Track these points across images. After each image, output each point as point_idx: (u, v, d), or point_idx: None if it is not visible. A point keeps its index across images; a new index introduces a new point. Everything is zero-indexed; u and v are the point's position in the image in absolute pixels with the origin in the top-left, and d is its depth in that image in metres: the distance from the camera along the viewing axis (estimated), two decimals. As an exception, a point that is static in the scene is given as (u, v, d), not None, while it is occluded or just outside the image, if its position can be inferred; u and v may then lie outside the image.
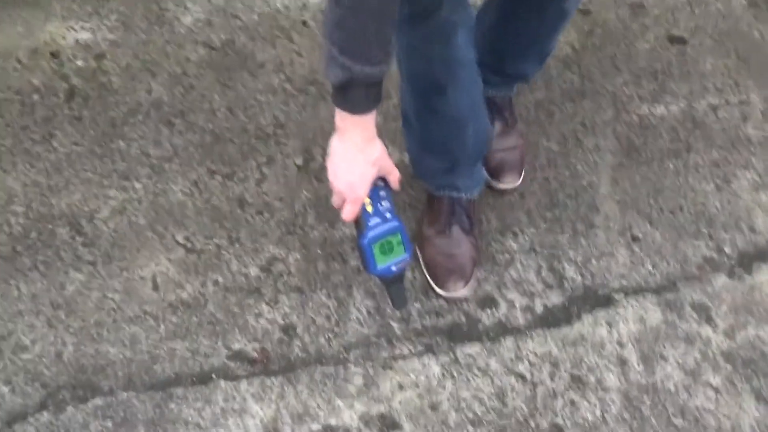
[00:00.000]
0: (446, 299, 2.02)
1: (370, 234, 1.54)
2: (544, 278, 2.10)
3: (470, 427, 1.86)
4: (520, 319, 2.04)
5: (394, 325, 2.01)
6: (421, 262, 2.06)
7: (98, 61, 2.46)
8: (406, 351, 1.97)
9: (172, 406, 1.88)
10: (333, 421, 1.86)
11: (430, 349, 1.99)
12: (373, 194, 1.54)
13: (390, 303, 1.74)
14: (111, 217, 2.18)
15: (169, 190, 2.23)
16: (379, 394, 1.91)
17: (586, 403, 1.92)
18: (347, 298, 2.05)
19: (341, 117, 1.42)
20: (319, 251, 2.12)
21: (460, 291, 2.02)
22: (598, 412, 1.90)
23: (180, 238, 2.14)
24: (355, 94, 1.36)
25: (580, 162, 2.31)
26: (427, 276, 2.04)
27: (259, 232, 2.15)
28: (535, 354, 1.98)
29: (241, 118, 2.35)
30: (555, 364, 1.96)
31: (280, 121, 2.35)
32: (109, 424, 1.85)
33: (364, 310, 2.03)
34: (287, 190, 2.24)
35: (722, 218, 2.17)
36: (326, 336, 1.99)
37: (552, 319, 2.04)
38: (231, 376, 1.93)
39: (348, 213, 1.51)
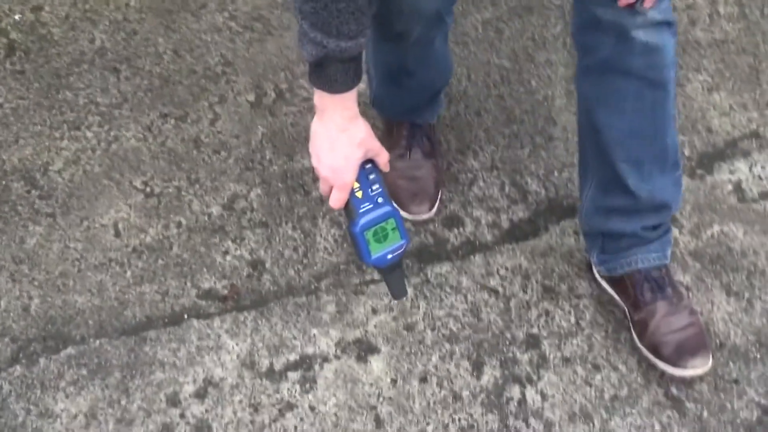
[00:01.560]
0: (412, 222, 1.99)
1: (362, 221, 1.39)
2: (508, 194, 2.10)
3: (447, 345, 1.86)
4: (488, 235, 2.03)
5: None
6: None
7: (36, 13, 2.41)
8: (376, 276, 1.96)
9: (147, 349, 1.86)
10: (310, 350, 1.85)
11: (400, 272, 1.96)
12: (362, 178, 1.39)
13: (389, 293, 1.57)
14: (65, 168, 2.13)
15: (122, 136, 2.19)
16: (354, 320, 1.90)
17: (560, 311, 1.92)
18: (313, 228, 2.03)
19: (320, 96, 1.32)
20: (280, 185, 2.10)
21: (425, 213, 2.01)
22: (572, 319, 1.91)
23: (138, 184, 2.11)
24: (332, 71, 1.27)
25: (533, 77, 2.30)
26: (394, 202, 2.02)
27: (217, 170, 2.13)
28: (506, 268, 1.98)
29: (188, 59, 2.31)
30: (526, 277, 1.97)
31: (228, 60, 2.32)
32: (84, 371, 1.83)
33: (331, 239, 2.02)
34: (242, 127, 2.21)
35: (678, 121, 2.17)
36: (295, 268, 1.98)
37: (519, 233, 2.04)
38: (203, 315, 1.91)
39: (335, 200, 1.38)
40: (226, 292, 1.94)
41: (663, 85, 1.63)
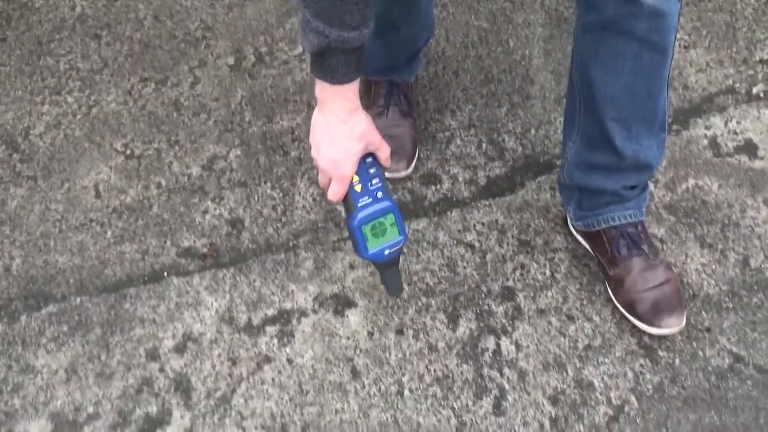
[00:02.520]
0: (390, 180, 2.01)
1: (360, 215, 1.41)
2: (485, 151, 2.12)
3: (424, 298, 1.88)
4: (465, 192, 2.05)
5: (340, 209, 2.02)
6: None
7: (18, -19, 2.41)
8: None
9: (127, 306, 1.88)
10: (288, 305, 1.87)
11: (378, 229, 1.98)
12: (362, 172, 1.40)
13: (385, 289, 1.58)
14: (46, 132, 2.16)
15: (102, 101, 2.21)
16: (331, 275, 1.92)
17: (535, 264, 1.94)
18: (291, 188, 2.05)
19: (321, 87, 1.31)
20: (259, 146, 2.12)
21: (403, 170, 2.03)
22: (547, 272, 1.93)
23: (118, 146, 2.13)
24: (334, 62, 1.25)
25: (511, 38, 2.32)
26: None
27: (197, 132, 2.15)
28: (482, 223, 2.00)
29: (168, 24, 2.33)
30: (502, 231, 1.99)
31: (208, 24, 2.34)
32: (65, 328, 1.85)
33: (309, 198, 2.04)
34: (221, 90, 2.23)
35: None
36: (274, 226, 2.00)
37: (496, 189, 2.06)
38: (182, 272, 1.93)
39: (334, 193, 1.38)
40: (205, 250, 1.96)
41: (663, 50, 1.64)
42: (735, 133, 2.15)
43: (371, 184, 1.41)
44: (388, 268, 1.49)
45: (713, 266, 1.93)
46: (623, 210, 1.82)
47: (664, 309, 1.83)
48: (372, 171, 1.41)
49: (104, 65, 2.26)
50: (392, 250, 1.45)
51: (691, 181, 2.06)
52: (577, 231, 1.92)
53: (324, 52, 1.23)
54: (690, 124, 2.17)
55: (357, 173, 1.38)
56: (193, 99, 2.20)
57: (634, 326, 1.85)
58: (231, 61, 2.27)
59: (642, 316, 1.82)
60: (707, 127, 2.17)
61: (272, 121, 2.15)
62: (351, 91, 1.31)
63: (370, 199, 1.40)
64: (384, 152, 1.41)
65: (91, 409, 1.75)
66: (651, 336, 1.82)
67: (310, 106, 2.19)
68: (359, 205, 1.40)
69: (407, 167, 2.03)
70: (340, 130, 1.33)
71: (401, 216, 1.44)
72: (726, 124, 2.17)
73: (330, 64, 1.25)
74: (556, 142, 2.12)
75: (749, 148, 2.12)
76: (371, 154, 1.40)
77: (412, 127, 2.06)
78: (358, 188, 1.40)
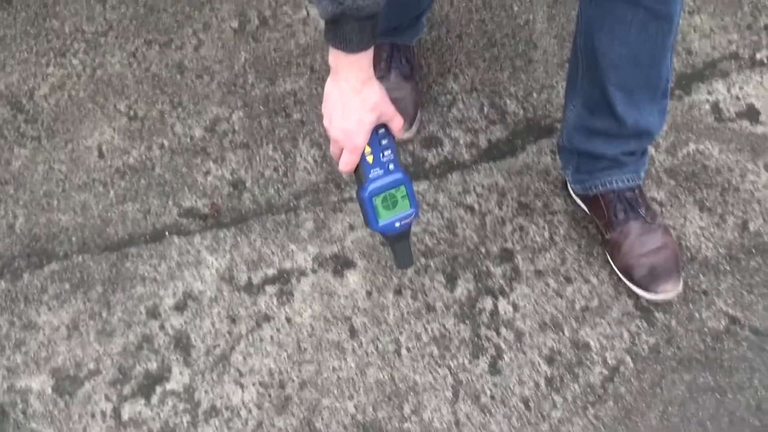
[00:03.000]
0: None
1: (371, 186, 1.37)
2: (486, 115, 2.13)
3: (423, 259, 1.89)
4: (465, 155, 2.06)
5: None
6: None
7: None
8: (354, 194, 1.98)
9: (128, 264, 1.90)
10: (288, 265, 1.89)
11: (378, 191, 1.99)
12: (374, 143, 1.36)
13: (394, 262, 1.52)
14: (51, 93, 2.17)
15: (107, 62, 2.22)
16: (331, 236, 1.93)
17: (534, 227, 1.95)
18: (293, 149, 2.06)
19: (334, 56, 1.26)
20: (261, 108, 2.13)
21: (405, 132, 2.03)
22: (546, 234, 1.94)
23: (122, 107, 2.14)
24: (348, 30, 1.21)
25: (515, 2, 2.33)
26: None
27: (200, 94, 2.16)
28: (482, 186, 2.01)
29: (173, -13, 2.33)
30: (502, 194, 2.00)
31: (213, -13, 2.33)
32: (67, 286, 1.87)
33: (311, 160, 2.05)
34: (225, 52, 2.24)
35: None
36: (275, 187, 2.01)
37: (497, 152, 2.07)
38: (184, 232, 1.94)
39: (345, 163, 1.35)
40: (206, 210, 1.98)
41: (669, 19, 1.62)
42: (737, 98, 2.16)
43: (383, 156, 1.38)
44: (398, 240, 1.46)
45: (712, 229, 1.94)
46: (621, 174, 1.82)
47: (661, 275, 1.84)
48: (384, 142, 1.38)
49: (109, 28, 2.28)
50: (403, 222, 1.41)
51: (692, 146, 2.06)
52: (576, 194, 1.93)
53: (338, 20, 1.19)
54: (692, 89, 2.17)
55: (369, 144, 1.34)
56: (197, 61, 2.21)
57: (632, 289, 1.81)
58: (235, 24, 2.28)
59: (638, 281, 1.83)
60: (709, 93, 2.17)
61: (275, 84, 2.16)
62: (365, 60, 1.27)
63: (382, 171, 1.37)
64: (397, 123, 1.37)
65: (91, 365, 1.77)
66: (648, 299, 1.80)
67: (313, 69, 2.21)
68: (370, 176, 1.37)
69: (408, 129, 2.02)
70: (353, 99, 1.30)
71: (413, 188, 1.40)
72: (728, 89, 2.17)
73: (344, 31, 1.21)
74: (557, 106, 2.12)
75: (751, 114, 2.13)
76: (384, 125, 1.37)
77: (413, 90, 2.06)
78: (369, 159, 1.36)
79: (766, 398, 1.72)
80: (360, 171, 1.37)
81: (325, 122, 1.34)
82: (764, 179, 2.01)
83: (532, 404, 1.71)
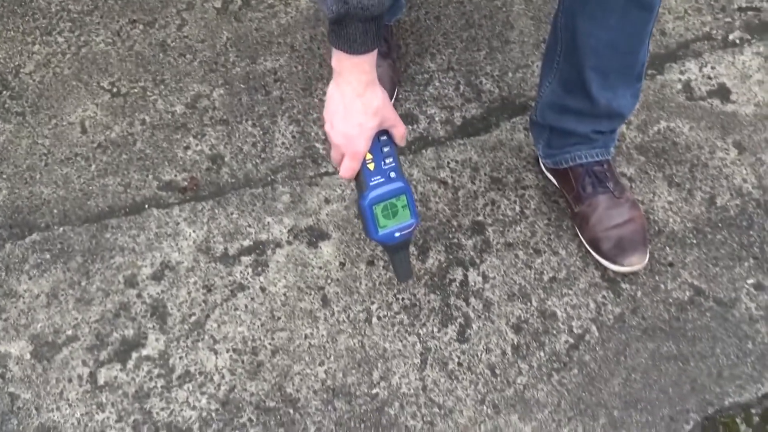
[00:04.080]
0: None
1: (371, 194, 1.34)
2: (462, 93, 2.17)
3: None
4: (440, 131, 2.10)
5: (319, 146, 2.07)
6: None
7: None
8: (331, 168, 2.04)
9: (108, 235, 1.94)
10: (263, 236, 1.93)
11: (354, 165, 2.04)
12: (376, 150, 1.34)
13: (394, 273, 1.47)
14: (36, 70, 2.22)
15: (91, 41, 2.27)
16: (307, 209, 1.98)
17: (506, 201, 1.99)
18: (272, 126, 2.11)
19: (338, 58, 1.26)
20: (242, 85, 2.18)
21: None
22: (517, 208, 1.98)
23: (105, 84, 2.19)
24: (352, 31, 1.20)
25: (493, -16, 2.35)
26: None
27: (182, 72, 2.20)
28: (456, 161, 2.05)
29: (158, -32, 2.38)
30: (475, 169, 2.04)
31: (197, -32, 2.38)
32: (48, 256, 1.91)
33: (289, 135, 2.09)
34: (208, 32, 2.28)
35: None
36: (253, 162, 2.06)
37: (471, 129, 2.11)
38: (163, 205, 1.99)
39: (346, 169, 1.32)
40: (185, 183, 2.02)
41: (650, 7, 1.64)
42: (709, 78, 2.20)
43: (385, 163, 1.35)
44: (397, 251, 1.43)
45: (680, 204, 1.98)
46: (590, 149, 1.86)
47: (627, 248, 1.88)
48: (386, 149, 1.35)
49: (95, 7, 2.32)
50: (403, 233, 1.38)
51: (663, 124, 2.10)
52: (547, 169, 1.97)
53: (343, 20, 1.19)
54: (665, 69, 2.21)
55: (371, 151, 1.32)
56: (180, 40, 2.26)
57: (599, 261, 1.86)
58: (218, 4, 2.33)
59: (606, 253, 1.86)
60: (682, 72, 2.21)
61: (255, 62, 2.21)
62: (368, 63, 1.26)
63: (383, 179, 1.34)
64: (399, 130, 1.36)
65: (69, 332, 1.81)
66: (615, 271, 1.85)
67: (293, 48, 2.26)
68: (371, 183, 1.34)
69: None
70: (355, 103, 1.29)
71: (414, 198, 1.37)
72: (701, 69, 2.21)
73: (348, 32, 1.21)
74: (532, 85, 2.17)
75: (722, 93, 2.17)
76: (386, 132, 1.35)
77: (390, 68, 2.11)
78: (371, 166, 1.34)
79: (728, 366, 1.75)
80: (361, 178, 1.34)
81: (327, 127, 1.33)
82: (733, 156, 2.04)
83: (498, 371, 1.75)
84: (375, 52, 1.24)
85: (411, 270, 1.46)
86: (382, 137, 1.35)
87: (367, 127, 1.30)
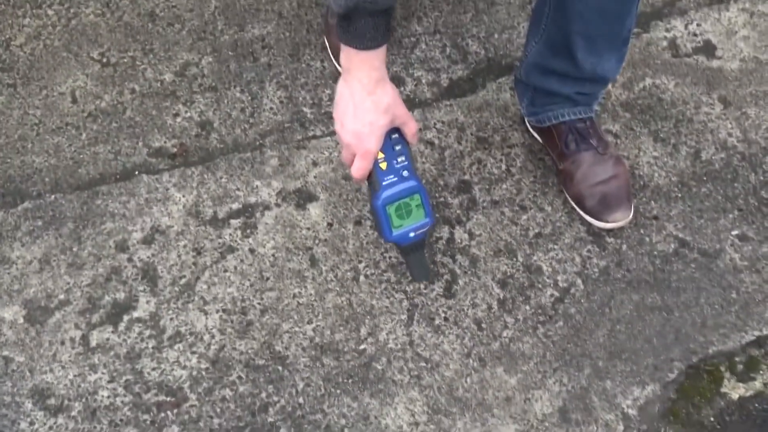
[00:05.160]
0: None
1: (384, 194, 1.33)
2: (448, 55, 2.18)
3: (383, 192, 1.94)
4: (427, 93, 2.12)
5: (306, 110, 2.09)
6: (328, 49, 2.19)
7: None
8: (318, 132, 2.05)
9: (98, 202, 1.97)
10: (252, 199, 1.96)
11: (341, 128, 2.06)
12: (387, 148, 1.32)
13: (409, 274, 1.43)
14: (27, 43, 2.24)
15: (81, 13, 2.29)
16: (295, 172, 2.00)
17: (492, 159, 2.01)
18: (260, 91, 2.13)
19: (347, 55, 1.24)
20: (230, 53, 2.20)
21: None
22: (503, 167, 2.00)
23: (95, 55, 2.21)
24: (361, 25, 1.18)
25: (480, -53, 2.35)
26: (334, 61, 2.12)
27: (171, 41, 2.22)
28: (442, 122, 2.07)
29: (146, -60, 2.39)
30: (462, 129, 2.06)
31: (185, -61, 2.39)
32: (39, 223, 1.94)
33: (277, 101, 2.11)
34: (196, 1, 2.32)
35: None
36: (242, 127, 2.08)
37: (458, 90, 2.12)
38: (153, 171, 2.01)
39: (358, 169, 1.30)
40: (175, 150, 2.05)
41: None
42: (694, 34, 2.21)
43: (397, 162, 1.33)
44: (412, 252, 1.41)
45: (665, 159, 1.99)
46: (573, 108, 1.87)
47: (612, 204, 1.90)
48: (398, 148, 1.33)
49: (84, -20, 2.33)
50: (417, 233, 1.37)
51: (648, 81, 2.12)
52: (531, 126, 1.99)
53: (352, 14, 1.17)
54: (651, 27, 2.22)
55: (382, 149, 1.30)
56: (168, 10, 2.27)
57: (584, 217, 1.89)
58: (206, -27, 2.33)
59: (590, 210, 1.88)
60: (667, 30, 2.22)
61: (244, 30, 2.23)
62: (378, 59, 1.24)
63: (396, 178, 1.32)
64: (411, 127, 1.33)
65: (62, 296, 1.84)
66: (600, 224, 1.87)
67: (281, 15, 2.28)
68: (384, 183, 1.32)
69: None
70: (365, 101, 1.26)
71: (428, 197, 1.34)
72: (686, 26, 2.23)
73: (357, 27, 1.19)
74: (518, 46, 2.18)
75: (708, 49, 2.18)
76: (397, 130, 1.33)
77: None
78: (383, 166, 1.32)
79: (712, 315, 1.77)
80: (373, 178, 1.32)
81: (337, 126, 1.30)
82: (718, 110, 2.06)
83: (484, 325, 1.77)
84: (384, 48, 1.22)
85: (428, 270, 1.40)
86: (393, 135, 1.33)
87: (379, 125, 1.28)
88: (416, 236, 1.37)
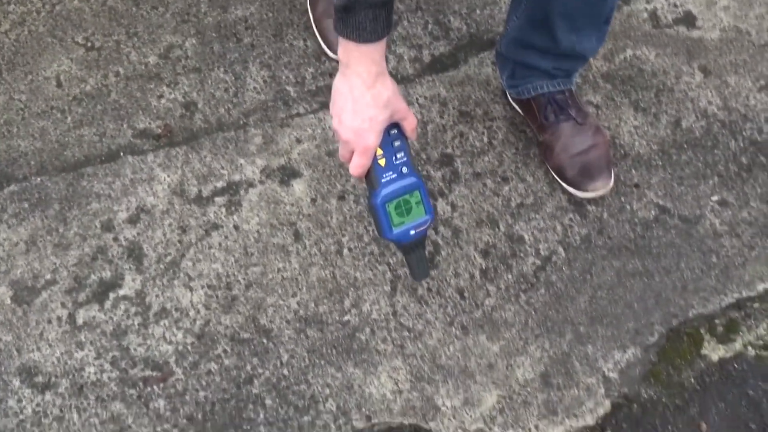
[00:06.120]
0: (336, 60, 2.09)
1: (384, 192, 1.28)
2: (430, 31, 2.20)
3: (366, 166, 1.96)
4: (409, 69, 2.14)
5: (290, 89, 2.11)
6: (315, 28, 2.24)
7: None
8: (302, 110, 2.07)
9: (84, 183, 1.99)
10: (236, 177, 1.97)
11: (324, 106, 2.09)
12: (386, 144, 1.27)
13: (409, 273, 1.43)
14: (11, 29, 2.25)
15: (65, -1, 2.29)
16: (279, 149, 2.01)
17: (474, 132, 2.02)
18: (243, 71, 2.14)
19: (345, 49, 1.19)
20: (214, 34, 2.21)
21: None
22: (485, 139, 2.01)
23: (80, 39, 2.22)
24: (362, 18, 1.14)
25: (460, -76, 2.37)
26: (319, 38, 2.20)
27: (155, 24, 2.24)
28: (425, 97, 2.08)
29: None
30: (443, 104, 2.07)
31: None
32: (25, 205, 1.96)
33: (260, 80, 2.13)
34: (179, -16, 2.31)
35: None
36: (226, 107, 2.09)
37: (440, 65, 2.14)
38: (138, 152, 2.03)
39: (356, 166, 1.25)
40: (159, 130, 2.06)
41: None
42: (675, 5, 2.22)
43: (396, 158, 1.29)
44: (413, 250, 1.37)
45: (645, 128, 2.01)
46: (552, 80, 1.88)
47: (592, 173, 1.91)
48: (397, 144, 1.29)
49: (68, -34, 2.35)
50: (418, 230, 1.33)
51: (629, 52, 2.13)
52: (512, 99, 2.00)
53: (352, 7, 1.13)
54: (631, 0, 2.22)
55: (381, 146, 1.26)
56: (152, -6, 2.28)
57: (565, 188, 1.90)
58: (188, -43, 2.35)
59: (571, 180, 1.89)
60: (648, 2, 2.24)
61: (227, 11, 2.24)
62: (378, 52, 1.20)
63: (395, 175, 1.28)
64: (411, 122, 1.29)
65: (48, 276, 1.86)
66: (581, 193, 1.88)
67: (263, -4, 2.27)
68: (383, 180, 1.28)
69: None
70: (364, 95, 1.22)
71: (428, 193, 1.30)
72: (667, -3, 2.22)
73: (357, 19, 1.14)
74: (500, 21, 2.20)
75: (688, 19, 2.19)
76: (396, 125, 1.29)
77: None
78: (382, 162, 1.28)
79: (692, 280, 1.78)
80: (372, 175, 1.28)
81: (335, 123, 1.26)
82: (698, 80, 2.07)
83: (466, 294, 1.78)
84: (384, 41, 1.18)
85: (428, 268, 1.39)
86: (392, 131, 1.28)
87: (378, 120, 1.24)
88: (417, 234, 1.33)
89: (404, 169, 1.29)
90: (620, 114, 2.00)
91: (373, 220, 1.36)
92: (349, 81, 1.21)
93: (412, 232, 1.32)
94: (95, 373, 1.70)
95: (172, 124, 2.06)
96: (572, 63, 1.88)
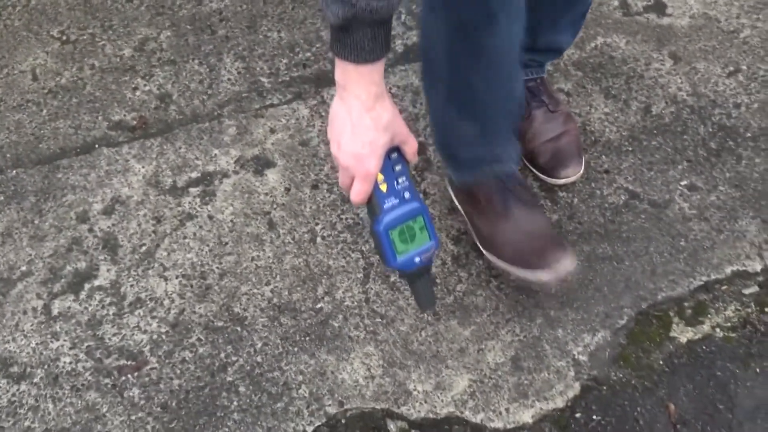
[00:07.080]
0: (313, 54, 2.10)
1: (387, 218, 1.22)
2: (404, 22, 2.22)
3: (339, 156, 1.98)
4: (382, 59, 2.14)
5: (264, 80, 2.12)
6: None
7: None
8: (276, 101, 2.09)
9: (59, 175, 2.00)
10: (211, 168, 1.99)
11: (298, 96, 2.11)
12: (387, 169, 1.21)
13: (415, 302, 1.38)
14: (-13, 24, 2.26)
15: (41, -7, 2.31)
16: (253, 140, 2.03)
17: (446, 121, 2.03)
18: (218, 63, 2.16)
19: (342, 71, 1.14)
20: (188, 27, 2.23)
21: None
22: (457, 127, 2.02)
23: (55, 33, 2.24)
24: (359, 37, 1.09)
25: None
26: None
27: (130, 17, 2.25)
28: (398, 87, 2.10)
29: None
30: (416, 93, 2.09)
31: None
32: (1, 198, 1.97)
33: (234, 72, 2.14)
34: (154, -23, 2.32)
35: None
36: (200, 98, 2.11)
37: (412, 55, 2.16)
38: (113, 143, 2.05)
39: (357, 193, 1.19)
40: (134, 122, 2.08)
41: None
42: (646, -7, 2.23)
43: (397, 183, 1.23)
44: (418, 278, 1.30)
45: (616, 114, 2.03)
46: (525, 68, 1.90)
47: (563, 160, 1.93)
48: (398, 168, 1.24)
49: (43, -40, 2.36)
50: (422, 257, 1.26)
51: (600, 40, 2.15)
52: None
53: (349, 26, 1.07)
54: (602, -12, 2.24)
55: (382, 171, 1.20)
56: (127, -13, 2.30)
57: (536, 174, 1.92)
58: (163, -50, 2.36)
59: (542, 167, 1.91)
60: (619, -11, 2.23)
61: (201, 4, 2.26)
62: (377, 72, 1.15)
63: (397, 200, 1.23)
64: (411, 145, 1.24)
65: (24, 268, 1.87)
66: (552, 179, 1.90)
67: (237, -12, 2.29)
68: (385, 206, 1.22)
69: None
70: (363, 118, 1.16)
71: (431, 219, 1.27)
72: (638, -15, 2.24)
73: (355, 39, 1.09)
74: (472, 10, 2.20)
75: (658, 7, 2.21)
76: (396, 149, 1.24)
77: None
78: (383, 188, 1.22)
79: (661, 263, 1.80)
80: (373, 201, 1.23)
81: (333, 149, 1.20)
82: (668, 66, 2.09)
83: (438, 280, 1.80)
84: (383, 61, 1.14)
85: (434, 297, 1.33)
86: (392, 155, 1.23)
87: (379, 144, 1.18)
88: (422, 261, 1.27)
89: (406, 194, 1.23)
90: (591, 101, 2.02)
91: (375, 248, 1.30)
92: (347, 104, 1.16)
93: (417, 259, 1.27)
94: (70, 363, 1.72)
95: (147, 115, 2.07)
96: (547, 56, 1.91)
